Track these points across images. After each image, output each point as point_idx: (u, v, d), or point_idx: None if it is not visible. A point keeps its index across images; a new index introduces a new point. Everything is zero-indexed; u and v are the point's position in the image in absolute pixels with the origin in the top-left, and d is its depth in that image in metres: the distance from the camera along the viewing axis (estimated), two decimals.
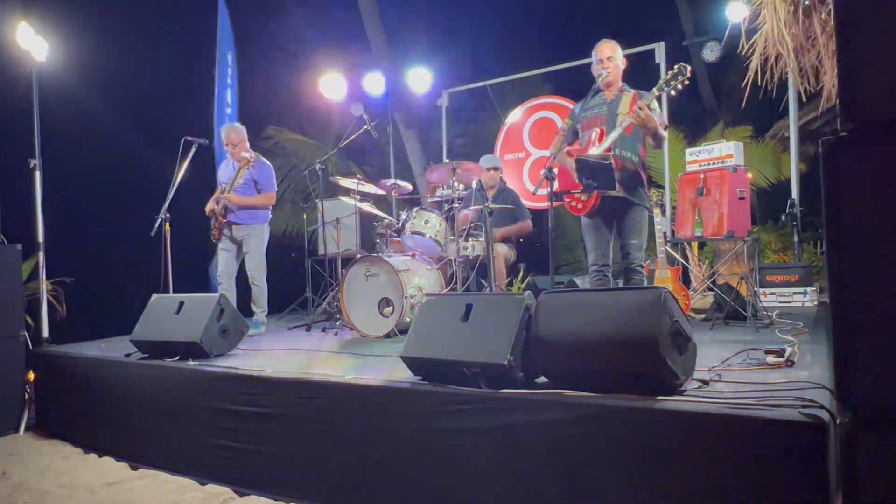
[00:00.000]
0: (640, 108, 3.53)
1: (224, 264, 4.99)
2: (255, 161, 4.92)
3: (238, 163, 4.95)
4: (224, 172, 5.11)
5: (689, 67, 3.59)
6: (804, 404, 1.87)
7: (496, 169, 5.46)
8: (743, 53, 4.63)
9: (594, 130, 3.82)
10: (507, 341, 2.40)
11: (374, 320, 4.39)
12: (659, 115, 3.74)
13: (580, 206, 3.89)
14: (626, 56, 4.04)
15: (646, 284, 4.32)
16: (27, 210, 4.62)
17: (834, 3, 1.38)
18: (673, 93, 3.71)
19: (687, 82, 3.61)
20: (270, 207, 5.14)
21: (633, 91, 3.84)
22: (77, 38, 5.43)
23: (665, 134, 3.81)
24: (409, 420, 2.56)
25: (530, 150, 7.13)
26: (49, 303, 5.18)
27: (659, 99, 3.72)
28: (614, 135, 3.67)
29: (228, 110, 7.00)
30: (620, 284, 4.05)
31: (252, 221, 4.98)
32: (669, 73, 3.66)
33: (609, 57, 3.83)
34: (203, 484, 3.16)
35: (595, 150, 3.72)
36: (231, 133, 5.00)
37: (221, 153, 5.55)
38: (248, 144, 5.07)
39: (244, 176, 4.87)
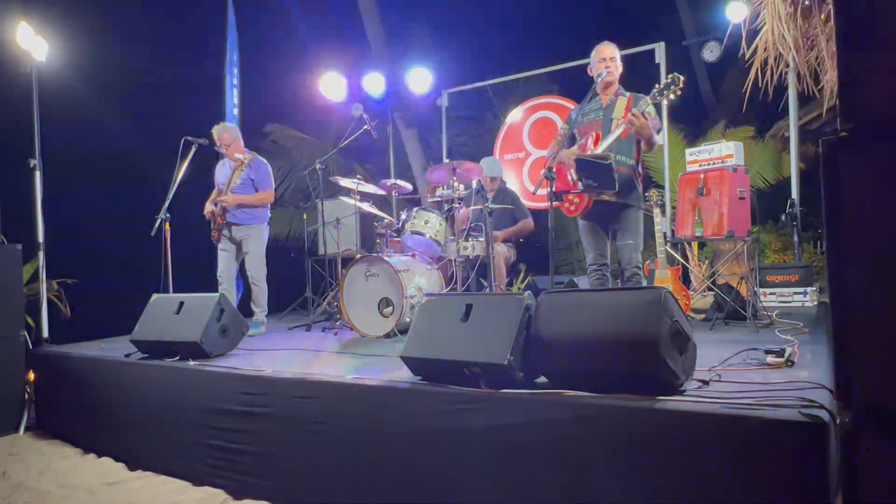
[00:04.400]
0: (634, 116, 3.55)
1: (223, 264, 4.99)
2: (251, 161, 4.91)
3: (234, 163, 4.95)
4: (220, 173, 5.10)
5: (681, 77, 3.60)
6: (804, 404, 1.87)
7: (493, 179, 5.43)
8: (743, 54, 4.64)
9: (590, 135, 3.84)
10: (507, 341, 2.40)
11: (374, 320, 4.39)
12: (654, 118, 3.74)
13: (573, 207, 3.92)
14: (626, 56, 4.06)
15: (645, 284, 4.32)
16: (27, 210, 4.62)
17: (834, 4, 1.38)
18: (666, 102, 3.72)
19: (679, 92, 3.61)
20: (269, 207, 5.14)
21: (628, 94, 3.86)
22: (77, 38, 5.43)
23: (659, 139, 3.83)
24: (409, 420, 2.56)
25: (530, 150, 7.13)
26: (52, 303, 5.20)
27: (658, 105, 3.72)
28: (610, 140, 3.69)
29: (235, 111, 7.02)
30: (619, 285, 4.05)
31: (251, 222, 4.98)
32: (664, 81, 3.67)
33: (612, 57, 3.84)
34: (202, 484, 3.16)
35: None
36: (223, 133, 4.95)
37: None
38: (242, 144, 5.06)
39: (241, 176, 4.87)
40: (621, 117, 3.72)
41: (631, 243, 3.82)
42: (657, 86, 3.69)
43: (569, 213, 3.98)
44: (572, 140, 4.04)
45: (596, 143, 3.77)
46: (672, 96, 3.61)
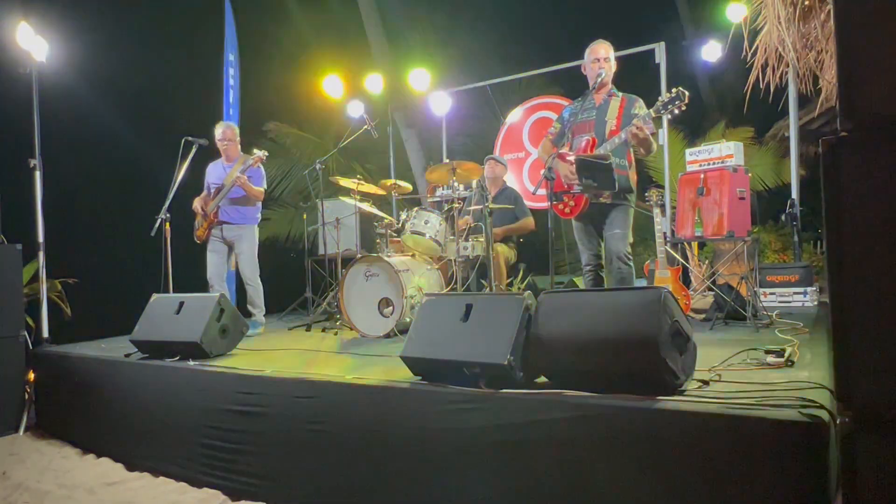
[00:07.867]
0: (639, 129, 3.56)
1: (214, 266, 4.97)
2: (257, 162, 4.92)
3: (228, 163, 4.98)
4: (213, 173, 5.09)
5: (686, 93, 3.58)
6: (804, 404, 1.87)
7: (496, 160, 5.47)
8: (743, 55, 4.64)
9: (584, 138, 3.84)
10: (507, 341, 2.40)
11: (374, 320, 4.39)
12: (649, 122, 3.71)
13: (567, 210, 3.92)
14: (626, 56, 4.05)
15: (643, 283, 4.32)
16: (27, 210, 4.62)
17: (834, 4, 1.38)
18: (670, 116, 3.70)
19: (684, 107, 3.60)
20: (260, 209, 5.14)
21: (620, 95, 3.85)
22: (77, 38, 5.44)
23: (655, 144, 3.82)
24: (409, 420, 2.56)
25: (530, 150, 7.13)
26: (53, 303, 5.20)
27: (659, 117, 3.70)
28: (607, 147, 3.68)
29: (231, 111, 7.02)
30: (605, 276, 4.03)
31: (244, 222, 4.97)
32: (668, 95, 3.62)
33: (605, 57, 3.84)
34: (201, 485, 3.15)
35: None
36: (227, 130, 5.06)
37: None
38: (239, 146, 5.10)
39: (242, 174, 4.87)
40: (615, 118, 3.73)
41: (618, 233, 3.80)
42: (661, 99, 3.64)
43: (563, 214, 3.98)
44: (561, 137, 4.04)
45: (591, 147, 3.78)
46: (676, 111, 3.59)
